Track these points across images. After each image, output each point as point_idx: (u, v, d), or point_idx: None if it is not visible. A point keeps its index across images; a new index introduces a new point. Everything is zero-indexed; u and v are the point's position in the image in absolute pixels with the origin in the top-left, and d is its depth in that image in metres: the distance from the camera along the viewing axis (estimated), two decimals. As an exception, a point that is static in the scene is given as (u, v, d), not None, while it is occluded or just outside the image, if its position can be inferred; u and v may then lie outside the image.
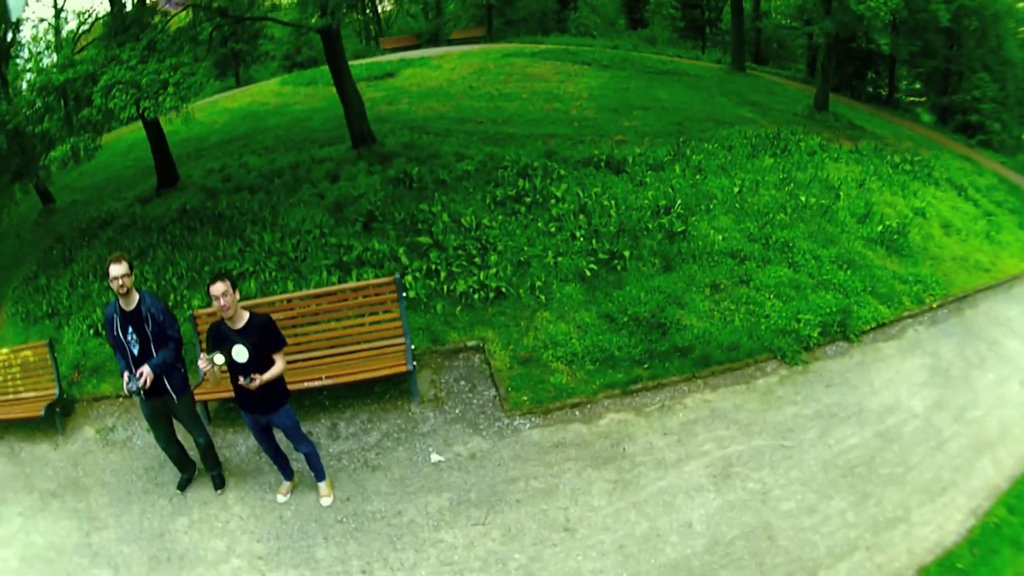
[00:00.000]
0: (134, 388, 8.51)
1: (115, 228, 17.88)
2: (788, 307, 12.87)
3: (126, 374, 8.69)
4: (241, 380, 8.11)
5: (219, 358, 8.00)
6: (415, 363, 11.17)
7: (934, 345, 13.09)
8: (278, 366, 8.45)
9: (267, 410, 8.61)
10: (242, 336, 8.16)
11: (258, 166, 20.44)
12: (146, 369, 8.55)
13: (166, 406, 9.24)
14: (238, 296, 8.18)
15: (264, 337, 8.30)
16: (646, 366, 11.62)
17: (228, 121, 28.42)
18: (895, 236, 15.97)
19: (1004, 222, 20.61)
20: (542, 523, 9.09)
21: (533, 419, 10.77)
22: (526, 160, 17.96)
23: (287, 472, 9.77)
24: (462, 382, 11.44)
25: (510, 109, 24.41)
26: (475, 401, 11.14)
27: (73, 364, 12.93)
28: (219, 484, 10.03)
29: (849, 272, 14.23)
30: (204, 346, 10.45)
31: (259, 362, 8.26)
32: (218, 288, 7.92)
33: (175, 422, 9.62)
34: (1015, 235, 19.88)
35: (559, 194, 16.04)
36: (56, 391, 11.88)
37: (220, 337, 8.23)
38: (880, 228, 16.16)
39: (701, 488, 9.62)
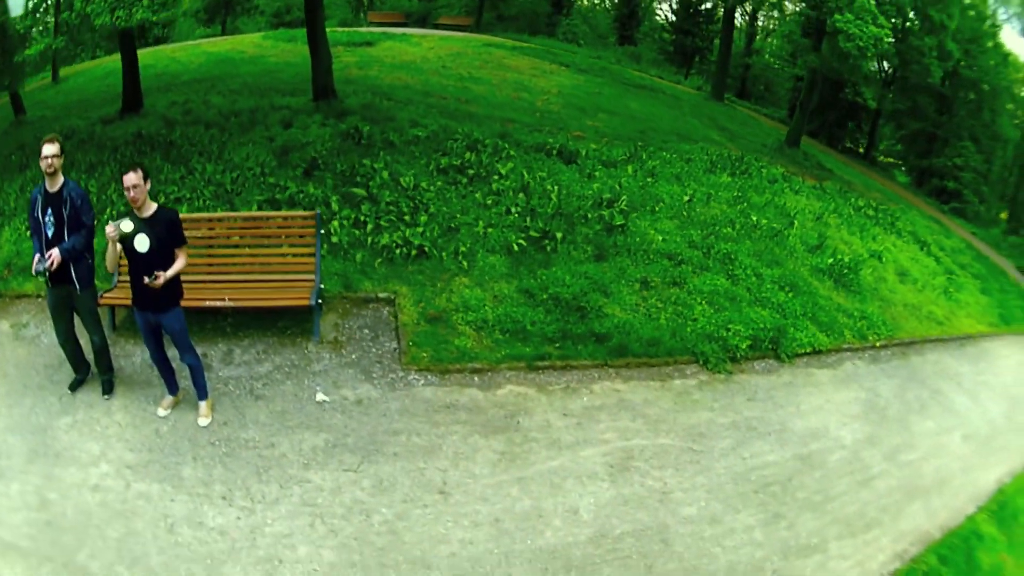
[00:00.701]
0: (41, 269, 8.40)
1: (73, 142, 17.24)
2: (719, 315, 12.33)
3: (37, 256, 8.53)
4: (147, 279, 7.93)
5: (126, 224, 7.80)
6: (320, 302, 10.59)
7: (872, 382, 12.56)
8: (179, 262, 8.33)
9: (158, 308, 8.38)
10: (147, 226, 8.02)
11: (219, 105, 19.92)
12: (55, 251, 8.43)
13: (70, 297, 9.01)
14: (149, 186, 8.11)
15: (169, 230, 8.18)
16: (557, 345, 11.04)
17: (204, 63, 27.86)
18: (846, 271, 15.53)
19: (965, 283, 20.48)
20: (417, 481, 8.50)
21: (429, 377, 10.17)
22: (478, 136, 17.60)
23: (172, 386, 9.37)
24: (366, 330, 10.84)
25: (476, 91, 23.99)
26: (374, 350, 10.46)
27: (6, 262, 12.44)
28: (107, 390, 9.60)
29: (791, 295, 13.70)
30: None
31: (159, 255, 8.10)
32: (131, 179, 7.88)
33: (77, 321, 9.37)
34: (975, 298, 19.72)
35: (503, 171, 15.70)
36: (-19, 282, 11.09)
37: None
38: (831, 260, 15.75)
39: (595, 476, 8.95)
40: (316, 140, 16.30)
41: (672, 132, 23.63)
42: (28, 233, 12.06)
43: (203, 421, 9.08)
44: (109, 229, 7.77)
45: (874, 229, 20.21)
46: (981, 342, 16.98)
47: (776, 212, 17.52)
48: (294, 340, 10.52)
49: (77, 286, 8.86)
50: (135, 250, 7.95)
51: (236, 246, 11.05)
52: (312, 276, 10.59)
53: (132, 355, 10.33)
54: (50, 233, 8.58)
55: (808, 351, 12.43)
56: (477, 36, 36.27)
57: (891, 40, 23.16)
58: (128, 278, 8.36)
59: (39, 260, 8.38)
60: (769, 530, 8.71)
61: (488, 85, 25.28)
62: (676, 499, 8.86)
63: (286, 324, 10.76)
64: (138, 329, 8.92)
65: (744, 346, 11.77)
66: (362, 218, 13.06)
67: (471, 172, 15.42)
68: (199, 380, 9.07)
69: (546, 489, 8.65)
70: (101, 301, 9.79)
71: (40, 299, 11.16)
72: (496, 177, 15.41)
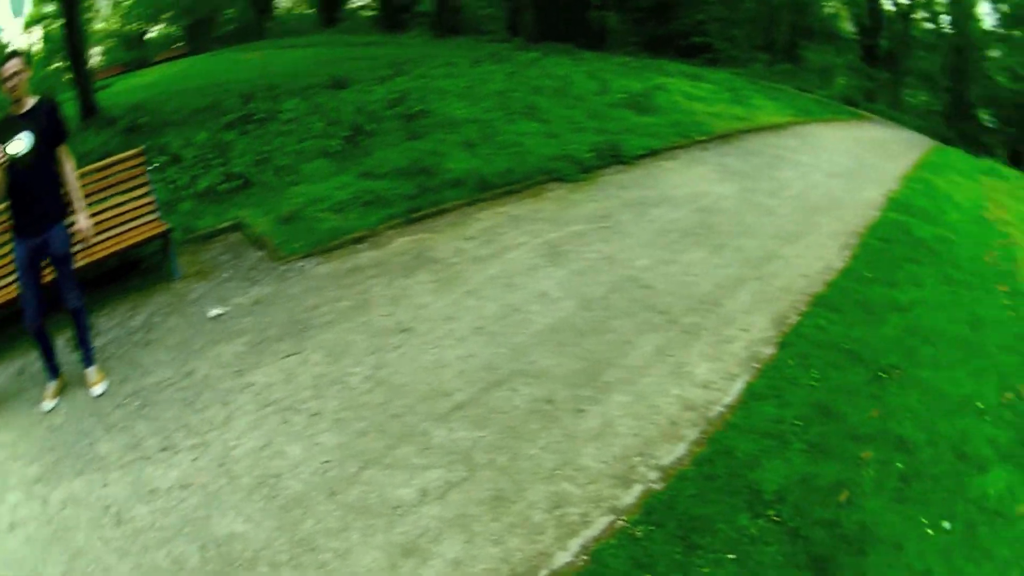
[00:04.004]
0: None
1: None
2: (551, 144, 12.36)
3: None
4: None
5: (15, 145, 6.02)
6: (171, 230, 8.89)
7: (716, 159, 13.25)
8: (69, 167, 6.47)
9: (47, 221, 6.44)
10: (27, 121, 6.19)
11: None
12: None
13: None
14: (31, 74, 6.27)
15: (51, 122, 6.31)
16: (420, 200, 10.26)
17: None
18: (639, 99, 15.97)
19: (749, 95, 21.30)
20: (370, 333, 7.31)
21: (316, 259, 8.97)
22: (250, 90, 17.09)
23: (53, 367, 7.12)
24: (225, 255, 9.45)
25: (221, 74, 23.97)
26: (244, 263, 9.13)
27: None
28: None
29: (599, 122, 14.00)
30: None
31: (41, 154, 6.22)
32: (13, 65, 6.07)
33: None
34: (765, 103, 20.89)
35: (287, 108, 15.09)
36: None
37: (4, 128, 6.17)
38: (621, 96, 16.19)
39: (536, 267, 8.51)
40: (97, 147, 15.02)
41: (423, 56, 23.64)
42: None
43: (98, 389, 7.05)
44: None
45: (645, 74, 20.84)
46: (790, 128, 18.31)
47: (551, 78, 17.81)
48: (154, 289, 8.91)
49: None
50: (11, 156, 6.06)
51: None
52: (154, 214, 8.96)
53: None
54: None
55: (645, 152, 12.69)
56: (196, 57, 36.19)
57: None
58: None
59: None
60: (723, 256, 9.03)
61: (232, 70, 25.07)
62: (623, 259, 8.78)
63: (139, 282, 9.16)
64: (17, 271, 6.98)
65: (589, 157, 11.87)
66: (173, 177, 11.79)
67: (257, 117, 14.51)
68: (85, 334, 7.08)
69: (501, 291, 7.98)
70: None
71: None
72: (282, 113, 14.62)
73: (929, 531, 5.28)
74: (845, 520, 5.18)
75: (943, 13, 35.07)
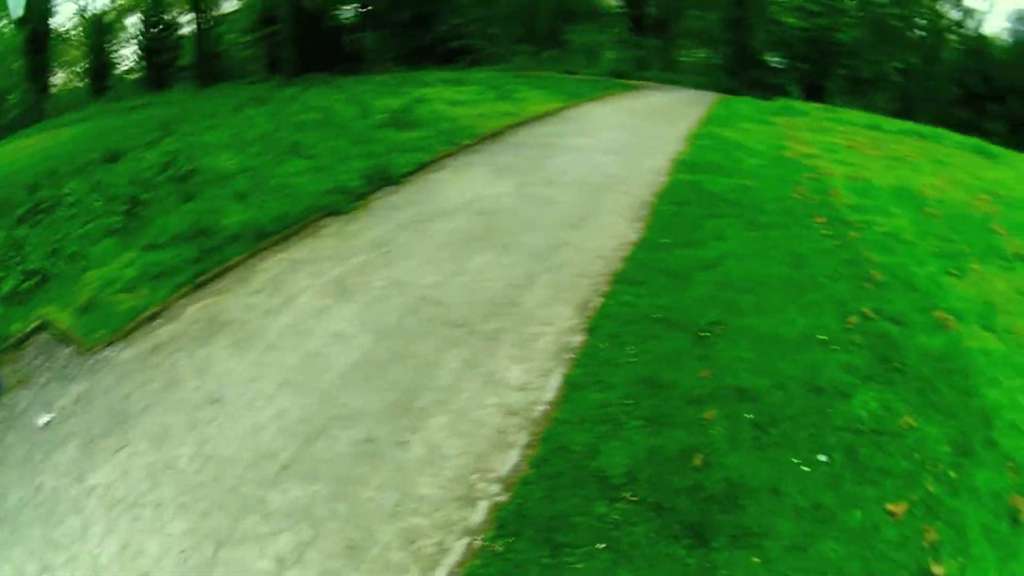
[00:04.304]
0: None
1: None
2: (320, 178, 12.63)
3: None
4: None
5: None
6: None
7: (489, 160, 13.62)
8: None
9: None
10: None
11: None
12: None
13: None
14: None
15: None
16: (204, 263, 10.47)
17: None
18: (401, 115, 16.37)
19: (515, 89, 21.87)
20: (183, 410, 7.42)
21: (118, 345, 9.14)
22: (32, 179, 16.93)
23: None
24: (40, 356, 9.63)
25: (8, 164, 23.77)
26: (58, 362, 9.32)
27: None
28: None
29: (365, 146, 14.36)
30: None
31: None
32: None
33: None
34: (532, 94, 21.54)
35: (68, 190, 15.04)
36: None
37: None
38: (382, 116, 16.63)
39: (326, 307, 8.69)
40: None
41: (187, 114, 23.32)
42: None
43: None
44: None
45: (402, 89, 21.55)
46: (561, 113, 19.08)
47: (314, 111, 18.34)
48: (-13, 409, 9.22)
49: None
50: None
51: None
52: (-33, 334, 9.16)
53: None
54: None
55: (414, 168, 13.07)
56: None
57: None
58: None
59: None
60: (511, 255, 9.42)
61: (18, 157, 24.92)
62: (411, 281, 9.05)
63: (-29, 410, 9.48)
64: None
65: (360, 184, 12.19)
66: (-24, 284, 12.00)
67: (44, 206, 14.48)
68: None
69: (297, 339, 8.17)
70: None
71: None
72: (65, 196, 14.65)
73: (805, 468, 5.75)
74: (706, 482, 5.60)
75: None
